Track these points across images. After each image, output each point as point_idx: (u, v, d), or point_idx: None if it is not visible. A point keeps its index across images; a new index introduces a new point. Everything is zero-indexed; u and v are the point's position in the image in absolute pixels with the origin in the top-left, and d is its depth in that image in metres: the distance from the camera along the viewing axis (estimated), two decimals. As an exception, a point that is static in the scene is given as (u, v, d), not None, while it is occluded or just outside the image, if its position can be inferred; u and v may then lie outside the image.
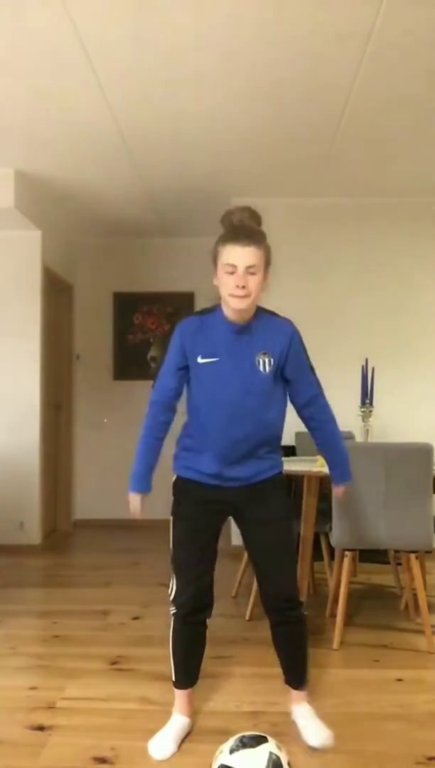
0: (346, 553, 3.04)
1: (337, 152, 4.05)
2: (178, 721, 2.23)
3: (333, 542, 3.05)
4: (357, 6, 2.56)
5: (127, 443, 5.99)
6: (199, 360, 2.09)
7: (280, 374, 2.14)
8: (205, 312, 2.17)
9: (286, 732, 2.23)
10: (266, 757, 1.73)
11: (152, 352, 6.01)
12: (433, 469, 2.95)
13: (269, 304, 2.21)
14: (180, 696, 2.27)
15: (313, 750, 2.13)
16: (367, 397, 4.00)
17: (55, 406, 5.60)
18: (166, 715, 2.36)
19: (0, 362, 4.95)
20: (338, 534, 3.00)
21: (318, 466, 3.09)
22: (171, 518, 2.24)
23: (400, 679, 2.69)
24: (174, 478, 2.25)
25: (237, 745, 1.77)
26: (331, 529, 3.11)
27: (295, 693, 2.29)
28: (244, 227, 2.06)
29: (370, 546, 3.02)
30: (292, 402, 2.23)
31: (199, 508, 2.18)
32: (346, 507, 2.95)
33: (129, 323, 6.03)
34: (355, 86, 3.20)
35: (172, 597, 2.21)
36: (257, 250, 2.02)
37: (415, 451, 2.95)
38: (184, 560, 2.19)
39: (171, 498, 2.25)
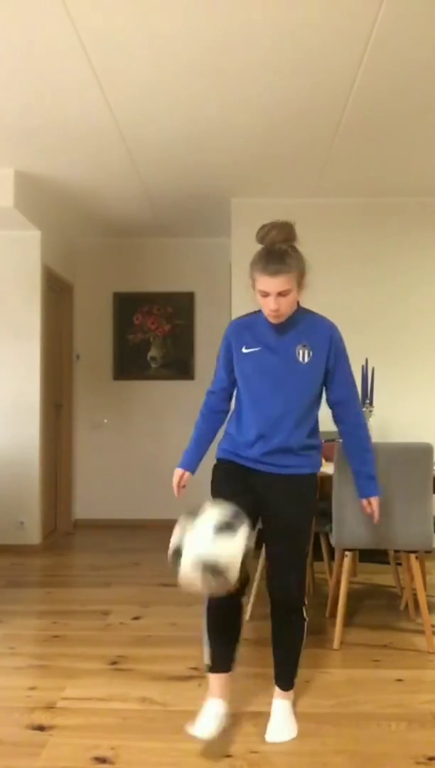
0: (346, 553, 3.04)
1: (336, 152, 4.05)
2: (214, 704, 2.20)
3: (333, 542, 3.05)
4: (357, 6, 2.56)
5: (127, 443, 6.08)
6: (244, 350, 2.29)
7: (322, 369, 2.27)
8: (251, 314, 2.35)
9: (286, 732, 2.24)
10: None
11: (152, 352, 6.01)
12: (433, 469, 2.96)
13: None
14: (214, 681, 2.24)
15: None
16: (367, 397, 4.01)
17: (55, 406, 5.60)
18: (166, 715, 2.37)
19: (0, 362, 4.95)
20: (338, 534, 3.00)
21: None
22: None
23: (400, 679, 2.69)
24: (215, 462, 2.40)
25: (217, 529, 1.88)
26: (331, 529, 3.11)
27: (277, 689, 2.34)
28: (274, 255, 2.13)
29: (370, 546, 3.02)
30: (326, 398, 2.35)
31: (233, 482, 2.29)
32: (346, 507, 2.95)
33: (129, 323, 6.03)
34: (355, 86, 3.20)
35: None
36: (287, 276, 2.13)
37: (415, 451, 2.95)
38: None
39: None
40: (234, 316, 4.51)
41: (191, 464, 2.41)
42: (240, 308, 4.21)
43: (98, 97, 3.31)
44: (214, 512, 1.93)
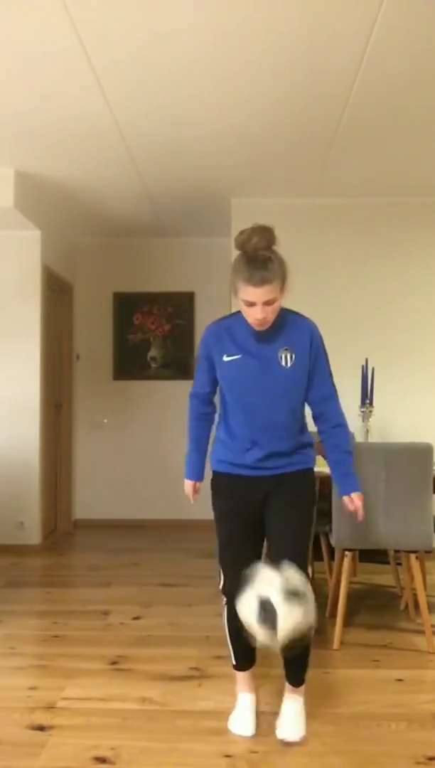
0: (346, 553, 3.04)
1: (336, 152, 4.05)
2: (246, 699, 2.37)
3: (333, 542, 3.06)
4: (357, 6, 2.56)
5: (127, 443, 6.08)
6: (225, 358, 2.25)
7: (305, 371, 2.24)
8: (229, 317, 2.31)
9: (286, 732, 2.24)
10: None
11: (152, 352, 6.01)
12: (433, 469, 2.96)
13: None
14: (240, 677, 2.41)
15: (280, 741, 2.21)
16: (367, 397, 4.01)
17: (55, 406, 5.60)
18: (166, 715, 2.37)
19: (0, 362, 4.95)
20: (338, 534, 3.01)
21: (317, 465, 3.09)
22: (214, 513, 2.37)
23: (400, 679, 2.69)
24: (212, 473, 2.39)
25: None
26: (331, 529, 3.11)
27: (288, 685, 2.35)
28: (258, 263, 2.06)
29: (371, 546, 3.02)
30: (307, 399, 2.30)
31: (234, 501, 2.30)
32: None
33: (129, 323, 6.03)
34: (355, 86, 3.20)
35: (221, 587, 2.34)
36: (272, 285, 2.07)
37: (415, 451, 2.95)
38: (228, 554, 2.31)
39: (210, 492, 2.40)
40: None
41: (198, 473, 2.47)
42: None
43: (98, 97, 3.31)
44: (285, 580, 1.98)
